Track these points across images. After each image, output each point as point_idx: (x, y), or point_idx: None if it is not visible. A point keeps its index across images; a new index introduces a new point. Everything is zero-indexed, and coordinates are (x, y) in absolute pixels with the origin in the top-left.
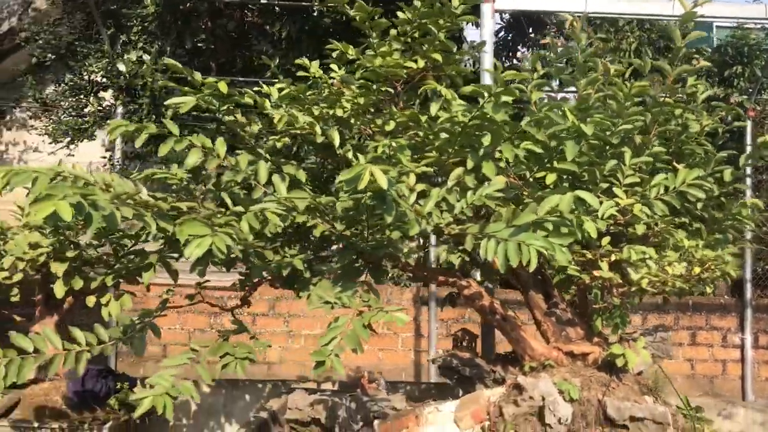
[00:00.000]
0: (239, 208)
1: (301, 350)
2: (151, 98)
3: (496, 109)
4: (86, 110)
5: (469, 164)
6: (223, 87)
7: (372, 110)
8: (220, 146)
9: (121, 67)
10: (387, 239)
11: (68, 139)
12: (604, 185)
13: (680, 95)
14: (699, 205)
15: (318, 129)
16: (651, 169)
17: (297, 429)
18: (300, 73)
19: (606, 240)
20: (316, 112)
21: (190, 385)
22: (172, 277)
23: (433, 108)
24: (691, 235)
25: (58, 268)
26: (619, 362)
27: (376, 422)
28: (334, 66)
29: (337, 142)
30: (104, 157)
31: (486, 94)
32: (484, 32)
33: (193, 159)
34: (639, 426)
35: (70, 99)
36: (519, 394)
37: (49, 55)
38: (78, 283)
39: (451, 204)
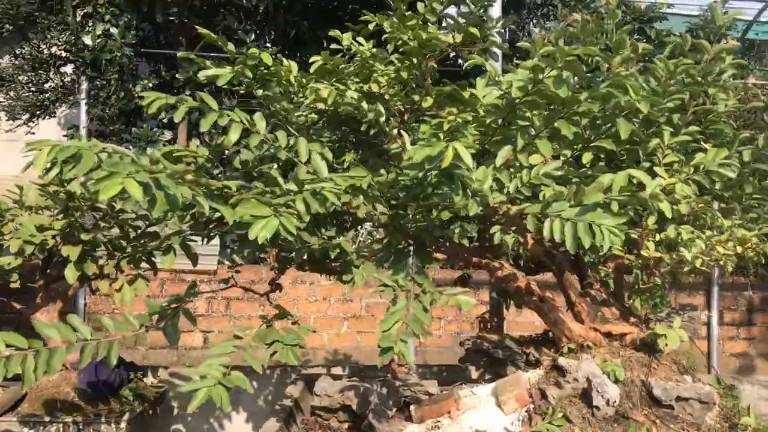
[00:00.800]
0: (292, 186)
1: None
2: (119, 74)
3: (559, 83)
4: (47, 86)
5: (520, 143)
6: (267, 59)
7: (407, 86)
8: (260, 122)
9: (87, 41)
10: (437, 220)
11: (26, 116)
12: (646, 164)
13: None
14: (718, 185)
15: (365, 105)
16: (683, 148)
17: (322, 416)
18: (333, 46)
19: (652, 219)
20: (352, 87)
21: (242, 375)
22: (193, 261)
23: (480, 84)
24: (724, 214)
25: (71, 252)
26: (661, 342)
27: (412, 407)
28: (361, 39)
29: (383, 118)
30: (66, 136)
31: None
32: (492, 11)
33: (235, 135)
34: (684, 406)
35: (29, 73)
36: (561, 376)
37: (6, 26)
38: (91, 268)
39: (502, 183)
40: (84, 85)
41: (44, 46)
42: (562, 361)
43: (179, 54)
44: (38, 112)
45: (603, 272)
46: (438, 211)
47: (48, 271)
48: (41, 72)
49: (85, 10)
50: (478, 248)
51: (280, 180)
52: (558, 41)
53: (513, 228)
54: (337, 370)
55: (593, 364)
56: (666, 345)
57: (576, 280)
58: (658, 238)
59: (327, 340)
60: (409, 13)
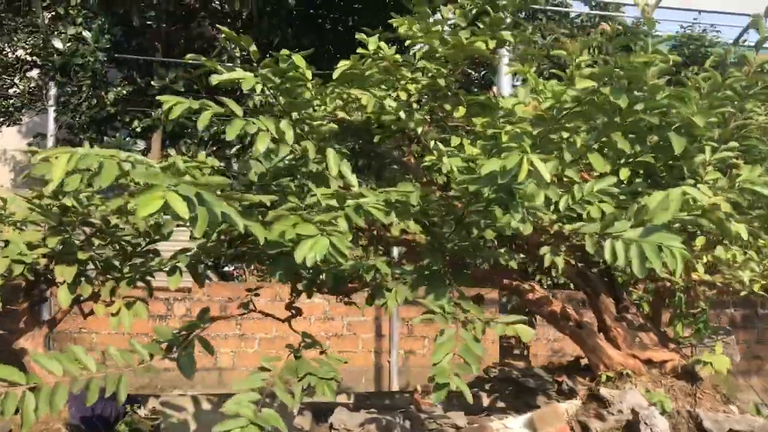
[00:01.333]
0: (333, 202)
1: (255, 355)
2: (92, 80)
3: (617, 93)
4: (11, 91)
5: (567, 156)
6: (300, 61)
7: (437, 95)
8: (288, 130)
9: (57, 44)
10: (477, 239)
11: None
12: (690, 181)
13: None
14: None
15: (403, 114)
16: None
17: None
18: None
19: (701, 240)
20: (378, 95)
21: (274, 413)
22: (199, 282)
23: (522, 93)
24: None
25: (65, 273)
26: (707, 370)
27: None
28: (382, 45)
29: (420, 129)
30: (30, 144)
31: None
32: None
33: (263, 145)
34: None
35: None
36: (603, 407)
37: None
38: (86, 290)
39: (549, 200)
40: (52, 91)
41: (9, 50)
42: (603, 391)
43: (188, 56)
44: (2, 119)
45: (635, 295)
46: (478, 231)
47: (33, 291)
48: (5, 77)
49: (53, 12)
50: (508, 270)
51: (319, 193)
52: (582, 52)
53: (563, 248)
54: (341, 398)
55: (638, 394)
56: (711, 372)
57: (612, 304)
58: (705, 259)
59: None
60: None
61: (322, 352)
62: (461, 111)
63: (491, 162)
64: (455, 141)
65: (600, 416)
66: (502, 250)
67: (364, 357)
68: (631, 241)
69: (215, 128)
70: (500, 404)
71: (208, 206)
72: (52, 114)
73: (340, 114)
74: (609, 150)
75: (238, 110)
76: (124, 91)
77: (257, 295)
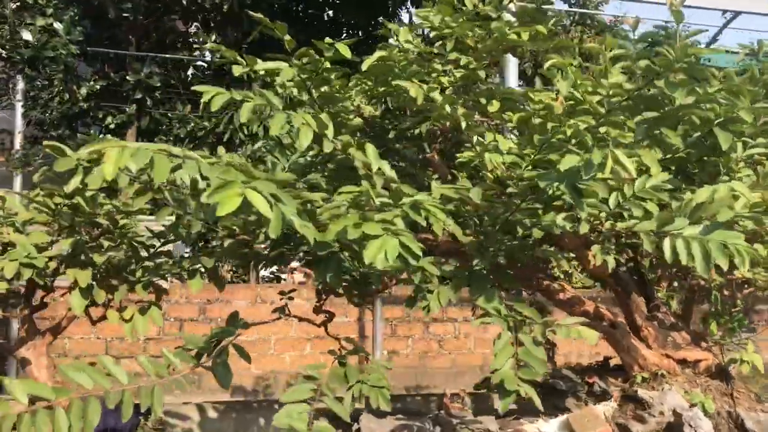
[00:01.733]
0: (385, 200)
1: (235, 357)
2: (64, 74)
3: (673, 86)
4: None
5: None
6: (344, 50)
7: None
8: (329, 123)
9: (26, 36)
10: (524, 238)
11: None
12: (725, 178)
13: None
14: None
15: (448, 108)
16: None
17: None
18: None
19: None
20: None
21: (328, 425)
22: (220, 286)
23: (564, 87)
24: None
25: (79, 276)
26: (745, 369)
27: None
28: (406, 35)
29: (464, 123)
30: None
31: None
32: None
33: (307, 139)
34: None
35: None
36: (641, 409)
37: None
38: (101, 295)
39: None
40: (20, 86)
41: None
42: (641, 392)
43: (208, 45)
44: None
45: (660, 293)
46: (523, 230)
47: (33, 297)
48: None
49: (20, 2)
50: (541, 269)
51: (374, 194)
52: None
53: (613, 246)
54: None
55: (678, 395)
56: (744, 371)
57: (643, 303)
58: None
59: (290, 362)
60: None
61: (365, 359)
62: (495, 105)
63: (571, 157)
64: (489, 136)
65: (640, 418)
66: (551, 249)
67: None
68: (692, 239)
69: (192, 125)
70: (528, 407)
71: (282, 205)
72: (19, 109)
73: (366, 109)
74: (654, 146)
75: (278, 102)
76: (98, 86)
77: (291, 298)
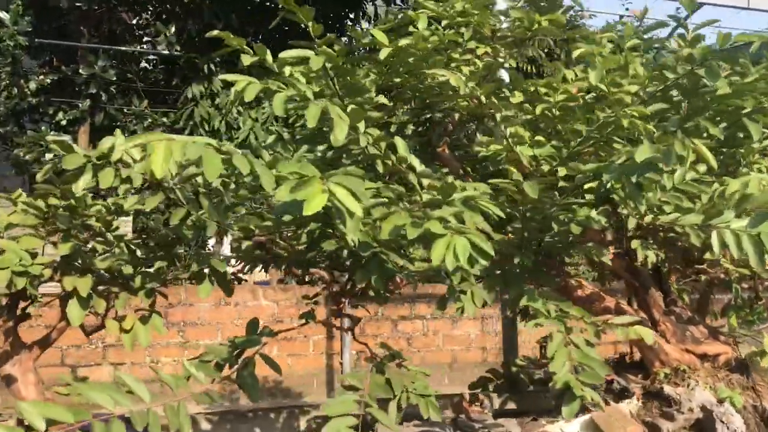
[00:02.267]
0: (432, 195)
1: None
2: (12, 66)
3: (714, 75)
4: None
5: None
6: (380, 36)
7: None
8: (361, 114)
9: None
10: (563, 235)
11: None
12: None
13: None
14: None
15: (484, 99)
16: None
17: None
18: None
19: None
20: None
21: None
22: (227, 291)
23: (594, 76)
24: None
25: (78, 285)
26: (765, 362)
27: None
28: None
29: (500, 114)
30: None
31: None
32: None
33: (342, 133)
34: None
35: None
36: (668, 406)
37: None
38: (101, 305)
39: None
40: None
41: None
42: (667, 389)
43: (213, 33)
44: None
45: (673, 286)
46: (559, 226)
47: (16, 306)
48: None
49: None
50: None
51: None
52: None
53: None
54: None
55: (706, 391)
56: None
57: (660, 297)
58: None
59: (258, 366)
60: None
61: (400, 365)
62: (519, 97)
63: (646, 148)
64: (516, 129)
65: (668, 416)
66: (591, 245)
67: (315, 359)
68: (742, 232)
69: (149, 121)
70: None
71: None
72: None
73: (381, 100)
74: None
75: (310, 93)
76: (48, 80)
77: (316, 303)
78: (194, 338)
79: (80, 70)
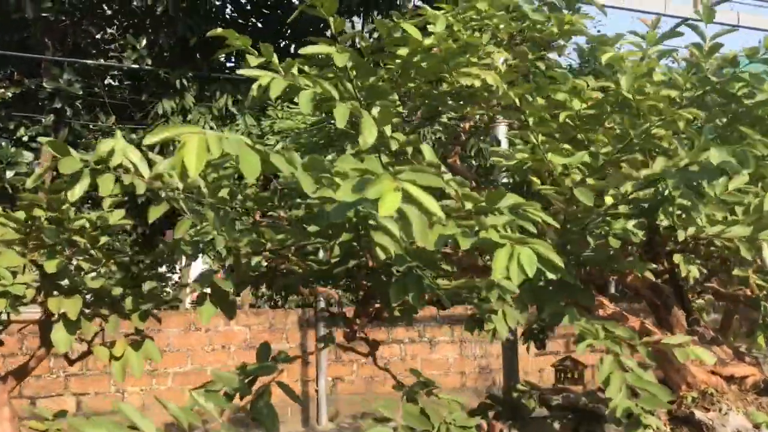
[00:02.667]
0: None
1: (169, 392)
2: None
3: (759, 79)
4: None
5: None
6: (414, 33)
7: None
8: (390, 117)
9: None
10: (602, 248)
11: None
12: None
13: None
14: None
15: (518, 101)
16: None
17: None
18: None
19: None
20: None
21: None
22: (229, 313)
23: (625, 82)
24: None
25: (67, 307)
26: None
27: None
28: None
29: (532, 119)
30: None
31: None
32: None
33: (372, 136)
34: None
35: None
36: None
37: None
38: (90, 329)
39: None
40: None
41: None
42: (699, 414)
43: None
44: None
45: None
46: (595, 239)
47: None
48: None
49: None
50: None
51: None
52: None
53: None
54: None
55: (740, 416)
56: None
57: (683, 316)
58: None
59: None
60: None
61: (429, 393)
62: (540, 101)
63: (717, 151)
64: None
65: None
66: (630, 260)
67: (290, 386)
68: None
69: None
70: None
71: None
72: None
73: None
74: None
75: (336, 93)
76: (9, 94)
77: (336, 324)
78: (163, 366)
79: (44, 84)
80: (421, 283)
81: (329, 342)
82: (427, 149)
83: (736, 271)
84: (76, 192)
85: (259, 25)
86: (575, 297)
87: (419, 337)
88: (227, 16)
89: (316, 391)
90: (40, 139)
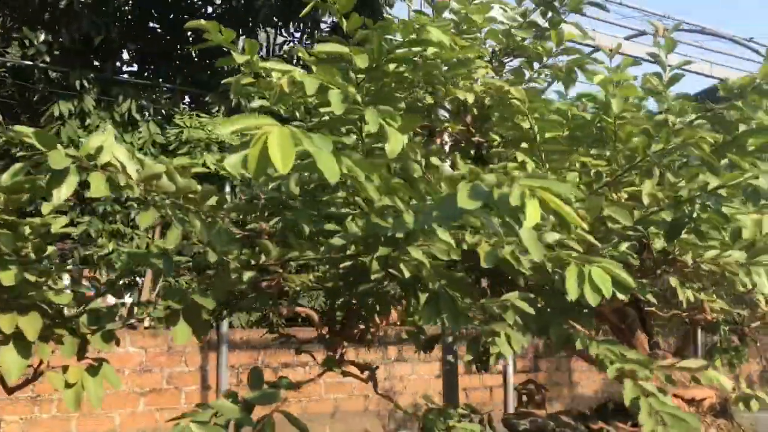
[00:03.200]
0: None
1: (52, 421)
2: None
3: (754, 107)
4: None
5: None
6: (438, 34)
7: None
8: (412, 124)
9: None
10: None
11: None
12: None
13: None
14: None
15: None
16: None
17: None
18: None
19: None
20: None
21: None
22: (203, 332)
23: (616, 105)
24: None
25: (24, 326)
26: (754, 407)
27: None
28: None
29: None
30: None
31: None
32: None
33: (399, 145)
34: None
35: None
36: None
37: None
38: (46, 351)
39: None
40: None
41: None
42: None
43: (194, 23)
44: None
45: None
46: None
47: None
48: None
49: None
50: None
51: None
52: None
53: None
54: None
55: None
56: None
57: (646, 340)
58: None
59: (119, 422)
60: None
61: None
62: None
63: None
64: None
65: None
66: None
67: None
68: None
69: (3, 139)
70: None
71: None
72: None
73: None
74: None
75: (359, 96)
76: None
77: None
78: (46, 392)
79: None
80: (455, 304)
81: (333, 365)
82: (436, 160)
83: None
84: (63, 192)
85: (160, 30)
86: (576, 320)
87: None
88: (130, 18)
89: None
90: (18, 128)
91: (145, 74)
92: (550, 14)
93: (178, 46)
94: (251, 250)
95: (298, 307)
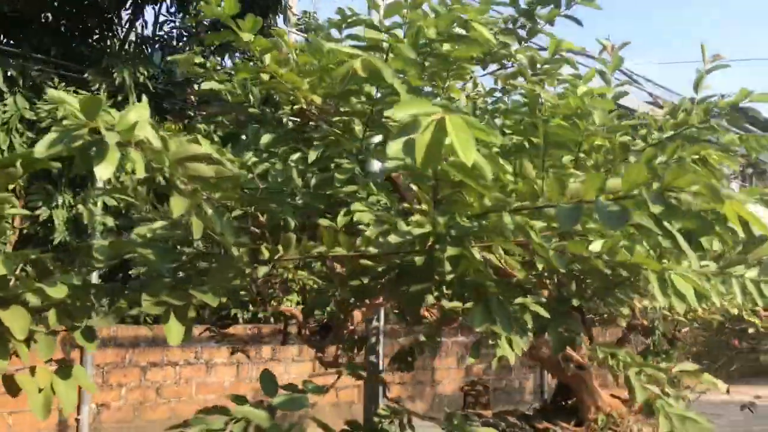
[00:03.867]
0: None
1: None
2: None
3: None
4: None
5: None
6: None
7: None
8: None
9: None
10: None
11: None
12: None
13: None
14: None
15: None
16: None
17: None
18: None
19: None
20: None
21: None
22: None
23: (598, 117)
24: None
25: (10, 322)
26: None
27: None
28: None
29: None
30: None
31: None
32: None
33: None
34: None
35: None
36: None
37: None
38: (24, 351)
39: None
40: None
41: None
42: None
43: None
44: None
45: None
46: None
47: None
48: None
49: None
50: None
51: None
52: None
53: None
54: None
55: None
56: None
57: (588, 342)
58: None
59: None
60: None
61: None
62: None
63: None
64: None
65: None
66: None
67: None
68: (756, 281)
69: None
70: None
71: None
72: None
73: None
74: None
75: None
76: None
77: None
78: None
79: None
80: (506, 308)
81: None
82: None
83: (645, 303)
84: (106, 170)
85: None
86: (566, 324)
87: (195, 359)
88: None
89: (77, 420)
90: (53, 93)
91: (13, 42)
92: (528, 25)
93: (50, 14)
94: (266, 243)
95: (284, 308)
